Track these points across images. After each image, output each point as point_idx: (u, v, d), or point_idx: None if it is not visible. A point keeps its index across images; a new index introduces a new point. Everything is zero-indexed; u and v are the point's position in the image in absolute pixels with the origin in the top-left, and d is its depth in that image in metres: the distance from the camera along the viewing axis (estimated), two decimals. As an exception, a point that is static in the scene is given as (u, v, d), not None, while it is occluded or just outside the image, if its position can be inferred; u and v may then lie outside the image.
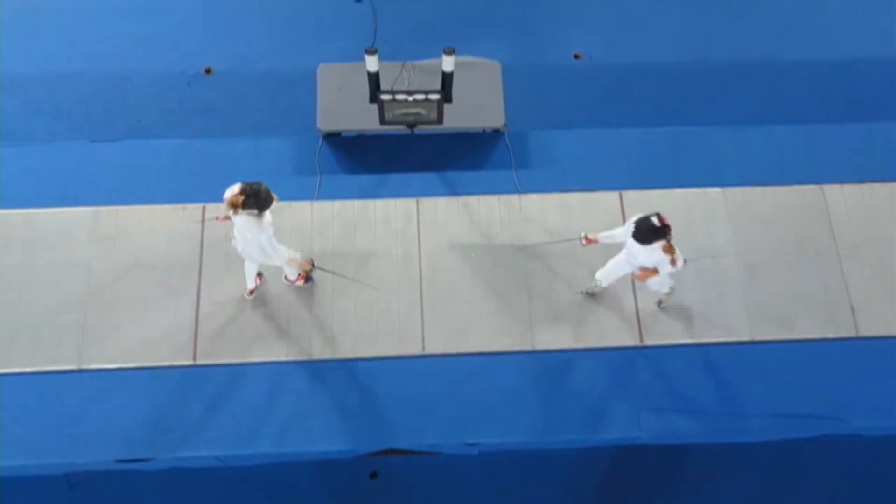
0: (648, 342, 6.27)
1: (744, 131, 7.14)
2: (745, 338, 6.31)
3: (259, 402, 6.04)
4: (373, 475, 6.24)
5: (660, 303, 6.35)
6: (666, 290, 6.13)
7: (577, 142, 7.02)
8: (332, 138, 6.87)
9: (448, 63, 5.75)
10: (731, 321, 6.35)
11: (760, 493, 6.28)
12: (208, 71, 7.53)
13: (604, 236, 5.65)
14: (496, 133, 6.94)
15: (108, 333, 6.07)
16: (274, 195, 5.25)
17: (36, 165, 6.70)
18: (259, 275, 6.25)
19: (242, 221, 5.27)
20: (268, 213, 5.32)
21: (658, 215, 5.16)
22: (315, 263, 5.94)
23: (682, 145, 7.05)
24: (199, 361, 6.08)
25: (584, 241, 5.69)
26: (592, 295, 6.36)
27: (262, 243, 5.38)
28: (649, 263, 5.43)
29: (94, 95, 7.36)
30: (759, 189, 6.85)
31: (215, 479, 6.13)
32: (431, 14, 7.76)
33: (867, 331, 6.32)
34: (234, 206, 5.13)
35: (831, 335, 6.32)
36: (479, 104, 6.74)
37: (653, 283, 5.78)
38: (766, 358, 6.29)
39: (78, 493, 6.03)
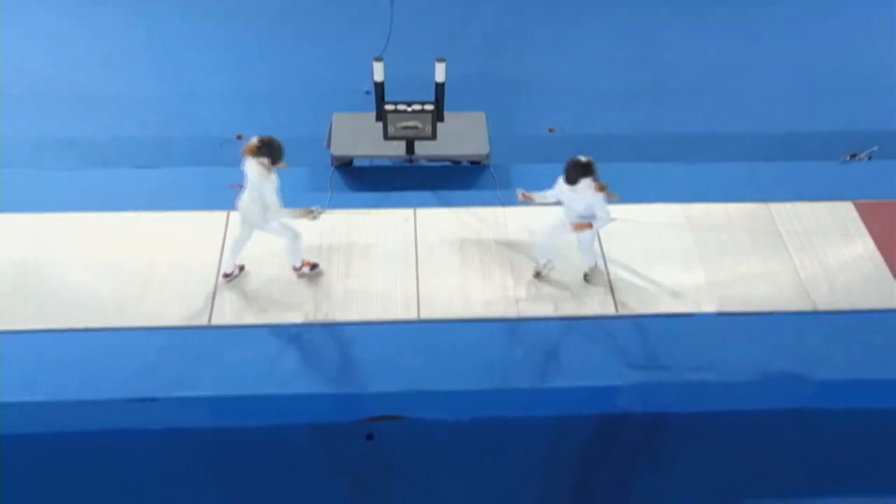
0: (623, 312, 6.88)
1: (697, 166, 8.35)
2: (713, 309, 6.93)
3: (261, 363, 6.48)
4: (369, 437, 6.48)
5: (586, 276, 6.97)
6: (592, 263, 6.88)
7: (554, 173, 8.14)
8: (343, 168, 8.02)
9: (440, 73, 7.10)
10: (699, 296, 7.01)
11: (744, 461, 6.45)
12: (239, 137, 8.88)
13: (538, 195, 6.52)
14: (482, 166, 8.11)
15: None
16: (284, 162, 6.23)
17: (105, 186, 7.84)
18: (241, 267, 6.94)
19: (253, 166, 6.14)
20: (275, 173, 6.22)
21: (583, 156, 6.07)
22: (316, 211, 6.49)
23: (642, 174, 8.19)
24: (214, 323, 6.65)
25: (520, 197, 6.52)
26: (539, 275, 7.02)
27: (264, 195, 6.14)
28: (582, 207, 6.21)
29: (139, 152, 8.64)
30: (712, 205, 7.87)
31: (211, 444, 6.36)
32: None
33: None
34: (251, 150, 6.09)
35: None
36: (467, 137, 8.01)
37: (584, 240, 6.55)
38: (739, 329, 6.84)
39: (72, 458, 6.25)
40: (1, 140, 8.48)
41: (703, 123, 9.34)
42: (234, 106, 9.18)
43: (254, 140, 6.17)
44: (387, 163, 8.18)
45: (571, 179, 6.10)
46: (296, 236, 6.71)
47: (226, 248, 7.00)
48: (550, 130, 9.20)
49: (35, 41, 10.06)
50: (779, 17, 11.04)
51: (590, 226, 6.29)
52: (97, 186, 7.79)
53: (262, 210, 6.30)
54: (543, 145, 9.10)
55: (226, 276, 6.88)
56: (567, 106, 9.44)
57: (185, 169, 8.08)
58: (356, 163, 8.04)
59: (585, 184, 6.08)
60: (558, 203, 6.54)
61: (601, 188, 6.08)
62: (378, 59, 7.07)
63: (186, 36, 10.34)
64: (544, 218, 7.30)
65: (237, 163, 7.96)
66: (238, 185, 6.48)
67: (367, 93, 9.14)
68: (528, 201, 6.57)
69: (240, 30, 10.56)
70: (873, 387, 6.62)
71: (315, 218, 6.44)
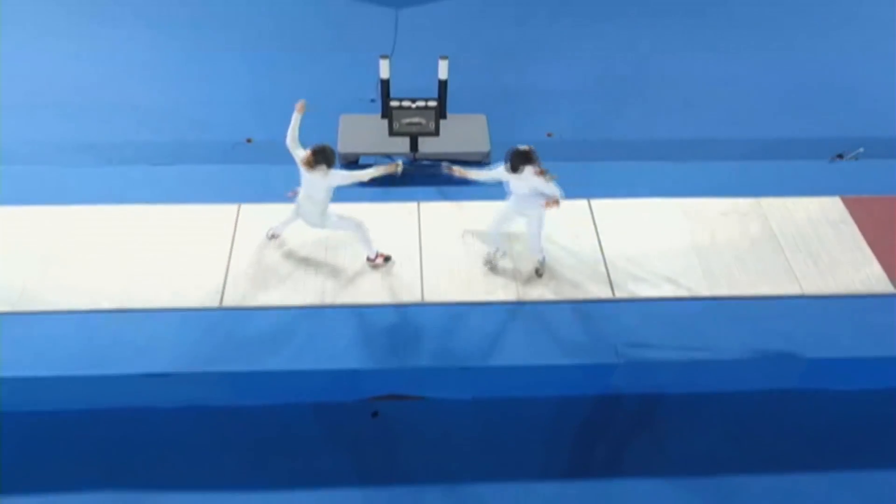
0: (620, 295, 7.15)
1: (690, 164, 8.70)
2: (706, 294, 7.20)
3: (270, 341, 6.75)
4: (374, 414, 6.71)
5: (537, 270, 7.25)
6: (540, 257, 7.18)
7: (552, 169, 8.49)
8: (349, 166, 8.37)
9: (443, 70, 7.49)
10: (693, 282, 7.29)
11: (735, 438, 6.65)
12: (249, 140, 9.26)
13: (474, 172, 6.86)
14: (484, 164, 8.45)
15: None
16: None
17: (123, 181, 8.22)
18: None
19: (313, 177, 6.60)
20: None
21: (523, 145, 6.45)
22: (399, 165, 6.89)
23: (637, 172, 8.53)
24: (225, 304, 6.94)
25: (454, 172, 6.87)
26: (490, 263, 7.30)
27: (324, 198, 6.68)
28: (527, 191, 6.57)
29: (155, 153, 9.00)
30: (705, 199, 8.19)
31: (221, 422, 6.60)
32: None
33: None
34: (308, 163, 6.52)
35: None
36: (468, 137, 8.38)
37: (532, 234, 6.95)
38: (731, 313, 7.10)
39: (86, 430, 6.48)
40: (29, 142, 8.87)
41: (696, 129, 9.68)
42: (245, 112, 9.57)
43: (307, 152, 6.56)
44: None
45: (515, 167, 6.48)
46: (357, 226, 7.06)
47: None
48: (548, 135, 9.54)
49: (59, 55, 10.54)
50: (767, 34, 11.50)
51: (556, 202, 6.62)
52: (116, 182, 8.14)
53: (320, 213, 6.80)
54: (542, 149, 9.35)
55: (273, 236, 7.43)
56: (564, 113, 9.81)
57: (198, 166, 8.43)
58: (362, 160, 8.39)
59: (528, 171, 6.48)
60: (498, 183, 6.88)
61: (541, 173, 6.45)
62: (384, 56, 7.46)
63: (199, 48, 10.79)
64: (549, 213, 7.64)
65: (247, 162, 8.36)
66: (293, 193, 6.93)
67: (372, 100, 9.59)
68: (462, 176, 6.90)
69: (251, 41, 11.03)
70: (861, 366, 6.86)
71: (398, 170, 6.83)
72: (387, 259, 7.29)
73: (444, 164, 7.01)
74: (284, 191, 7.05)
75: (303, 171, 6.65)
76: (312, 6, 11.85)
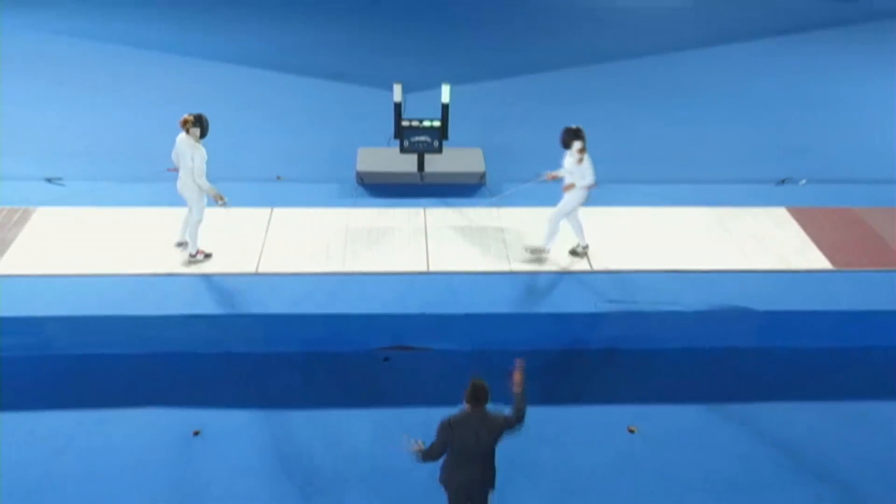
0: (597, 268, 8.37)
1: (663, 185, 10.14)
2: (670, 268, 8.41)
3: (295, 302, 7.91)
4: (385, 359, 7.73)
5: (541, 251, 8.44)
6: (547, 242, 8.37)
7: (540, 192, 9.92)
8: (365, 185, 9.84)
9: (445, 94, 9.14)
10: (659, 261, 8.52)
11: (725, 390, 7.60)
12: (279, 178, 10.77)
13: (559, 172, 8.20)
14: (479, 184, 9.92)
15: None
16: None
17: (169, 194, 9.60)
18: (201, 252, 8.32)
19: (184, 139, 7.64)
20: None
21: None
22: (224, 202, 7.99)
23: (618, 191, 9.95)
24: (261, 271, 8.17)
25: (547, 177, 8.25)
26: (576, 252, 8.52)
27: (195, 163, 7.62)
28: (574, 169, 7.88)
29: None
30: (673, 208, 9.58)
31: (256, 365, 7.62)
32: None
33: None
34: (185, 123, 7.59)
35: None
36: (467, 161, 9.92)
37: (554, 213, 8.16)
38: (690, 283, 8.28)
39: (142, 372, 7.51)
40: (91, 179, 10.31)
41: (664, 175, 11.21)
42: (274, 156, 11.15)
43: (187, 115, 7.68)
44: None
45: (565, 143, 7.82)
46: (213, 190, 7.90)
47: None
48: (537, 175, 11.04)
49: (103, 111, 12.36)
50: (724, 102, 13.47)
51: (573, 186, 7.92)
52: (166, 194, 9.55)
53: (194, 183, 7.82)
54: (532, 192, 10.96)
55: (198, 254, 8.23)
56: (549, 159, 11.36)
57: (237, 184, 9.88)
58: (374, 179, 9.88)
59: (575, 147, 7.78)
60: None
61: (581, 151, 7.77)
62: (397, 82, 9.15)
63: (231, 103, 12.55)
64: (533, 216, 9.03)
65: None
66: (174, 169, 8.07)
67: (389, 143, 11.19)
68: (552, 177, 8.23)
69: (282, 89, 12.84)
70: (803, 322, 7.97)
71: (223, 202, 7.97)
72: (207, 255, 8.26)
73: (539, 174, 8.29)
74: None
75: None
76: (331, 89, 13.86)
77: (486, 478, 5.27)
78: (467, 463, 5.17)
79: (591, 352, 7.88)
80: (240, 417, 6.99)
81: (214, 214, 8.47)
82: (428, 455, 5.19)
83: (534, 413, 6.98)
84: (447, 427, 5.11)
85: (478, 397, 5.06)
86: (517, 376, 5.19)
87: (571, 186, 8.01)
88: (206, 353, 7.66)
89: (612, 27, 17.85)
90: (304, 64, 14.64)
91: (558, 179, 8.24)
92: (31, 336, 7.41)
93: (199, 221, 8.03)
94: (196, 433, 6.78)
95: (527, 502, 6.27)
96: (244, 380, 7.43)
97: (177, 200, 8.36)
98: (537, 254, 8.44)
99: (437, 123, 9.30)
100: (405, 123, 9.28)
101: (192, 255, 8.18)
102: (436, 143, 9.40)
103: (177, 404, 7.08)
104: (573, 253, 8.53)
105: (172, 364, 7.54)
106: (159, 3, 17.67)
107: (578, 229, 8.43)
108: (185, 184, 7.89)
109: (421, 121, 9.28)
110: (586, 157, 7.87)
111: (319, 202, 9.48)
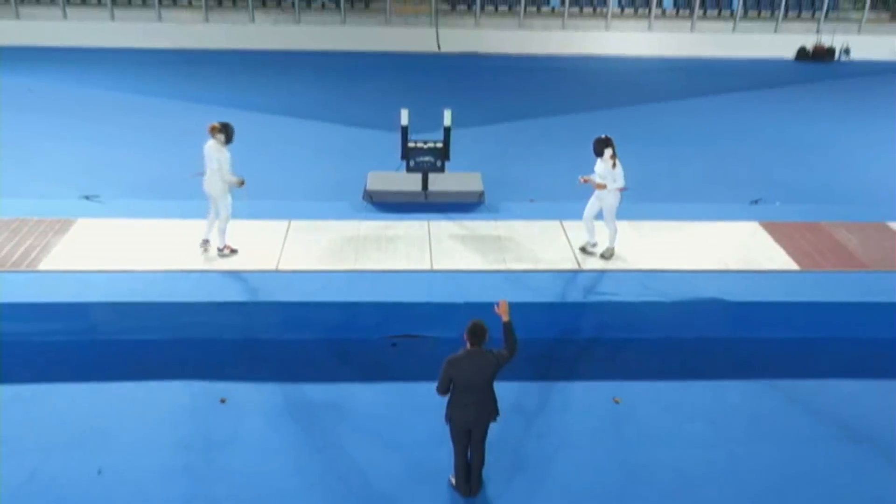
0: (584, 268, 9.25)
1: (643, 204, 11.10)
2: (649, 268, 9.28)
3: (311, 294, 8.74)
4: (393, 345, 8.52)
5: (602, 254, 9.35)
6: (610, 242, 9.33)
7: (534, 209, 10.90)
8: (373, 203, 10.80)
9: (447, 118, 10.20)
10: (639, 261, 9.40)
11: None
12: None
13: (592, 176, 9.09)
14: (479, 202, 10.88)
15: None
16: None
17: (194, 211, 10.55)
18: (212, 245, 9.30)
19: (212, 143, 8.67)
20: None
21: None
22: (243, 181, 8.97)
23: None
24: (280, 268, 9.04)
25: (581, 180, 9.12)
26: (585, 250, 9.45)
27: (221, 164, 8.59)
28: (606, 173, 8.80)
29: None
30: (655, 222, 10.51)
31: (276, 349, 8.41)
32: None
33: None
34: (213, 129, 8.63)
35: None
36: (467, 182, 10.91)
37: (605, 214, 9.05)
38: (668, 281, 9.13)
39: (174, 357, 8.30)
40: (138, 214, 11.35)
41: (647, 198, 12.21)
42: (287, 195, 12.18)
43: (214, 123, 8.77)
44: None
45: (597, 152, 8.78)
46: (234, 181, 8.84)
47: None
48: (531, 201, 12.05)
49: (141, 156, 13.46)
50: (700, 143, 14.59)
51: (604, 186, 8.83)
52: (193, 210, 10.51)
53: (220, 179, 8.74)
54: (526, 208, 11.95)
55: (225, 248, 9.17)
56: (542, 189, 12.38)
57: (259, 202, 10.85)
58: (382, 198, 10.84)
59: (607, 154, 8.75)
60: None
61: (613, 157, 8.73)
62: (404, 108, 10.21)
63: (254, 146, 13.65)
64: (531, 227, 9.99)
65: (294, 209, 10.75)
66: (199, 173, 9.05)
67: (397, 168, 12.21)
68: (586, 181, 9.06)
69: (319, 133, 14.10)
70: (768, 313, 8.80)
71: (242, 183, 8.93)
72: (233, 251, 9.18)
73: (581, 176, 9.08)
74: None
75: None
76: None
77: (488, 409, 6.04)
78: (470, 395, 5.95)
79: (581, 340, 8.67)
80: (262, 389, 7.74)
81: (238, 224, 9.43)
82: (438, 389, 6.00)
83: (531, 388, 7.93)
84: (450, 363, 5.91)
85: (476, 334, 5.88)
86: (503, 305, 6.01)
87: (603, 186, 8.92)
88: (231, 339, 8.45)
89: (597, 83, 19.33)
90: (334, 114, 16.45)
91: (589, 183, 9.15)
92: (78, 321, 8.27)
93: (227, 218, 8.95)
94: (223, 401, 7.53)
95: (529, 453, 6.99)
96: (266, 361, 8.20)
97: (202, 214, 9.35)
98: (609, 253, 9.35)
99: (439, 144, 10.33)
100: (411, 145, 10.31)
101: (220, 249, 9.05)
102: (438, 163, 10.40)
103: (206, 379, 7.85)
104: (583, 250, 9.47)
105: (202, 347, 8.32)
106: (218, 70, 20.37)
107: (591, 230, 9.40)
108: (210, 182, 8.85)
109: (425, 142, 10.31)
110: (618, 162, 8.82)
111: (332, 216, 10.42)
